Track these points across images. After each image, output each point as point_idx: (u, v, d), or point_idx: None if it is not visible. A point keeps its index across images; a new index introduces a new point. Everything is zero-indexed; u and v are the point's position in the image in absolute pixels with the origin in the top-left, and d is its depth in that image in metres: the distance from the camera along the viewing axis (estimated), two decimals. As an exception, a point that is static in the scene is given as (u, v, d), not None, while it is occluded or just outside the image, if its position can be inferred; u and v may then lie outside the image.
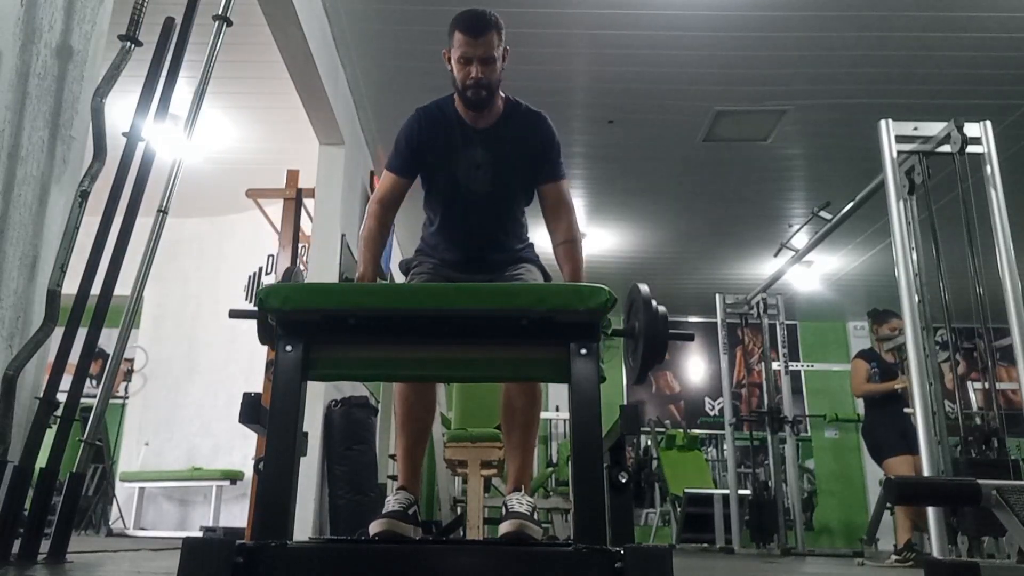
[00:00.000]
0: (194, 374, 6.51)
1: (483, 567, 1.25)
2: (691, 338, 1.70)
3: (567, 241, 2.27)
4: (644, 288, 1.54)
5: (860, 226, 6.34)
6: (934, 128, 3.58)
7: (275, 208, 5.27)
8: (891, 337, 4.84)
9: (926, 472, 3.18)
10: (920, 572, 2.17)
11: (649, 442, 7.68)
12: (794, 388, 8.19)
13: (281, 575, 1.19)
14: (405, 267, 2.40)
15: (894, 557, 4.36)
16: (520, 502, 1.99)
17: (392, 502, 1.96)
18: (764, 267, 7.35)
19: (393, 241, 6.41)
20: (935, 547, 3.03)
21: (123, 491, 6.37)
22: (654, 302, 1.49)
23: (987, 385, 3.51)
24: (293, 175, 5.00)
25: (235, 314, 1.59)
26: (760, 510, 6.20)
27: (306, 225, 5.06)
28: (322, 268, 4.58)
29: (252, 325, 1.49)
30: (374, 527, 1.83)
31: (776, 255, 6.20)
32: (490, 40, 2.10)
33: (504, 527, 1.87)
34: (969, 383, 7.17)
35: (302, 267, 5.20)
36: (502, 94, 2.22)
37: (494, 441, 3.70)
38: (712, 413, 9.16)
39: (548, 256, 2.32)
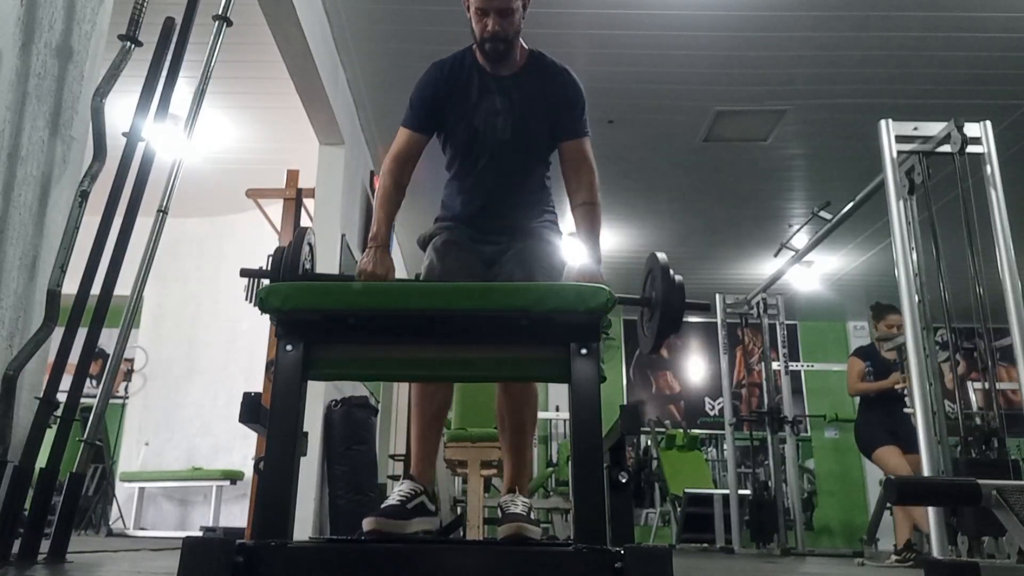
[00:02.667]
0: (194, 374, 6.51)
1: (483, 567, 1.25)
2: (707, 307, 1.70)
3: (586, 203, 2.18)
4: (662, 257, 1.54)
5: (860, 226, 6.34)
6: (934, 128, 3.58)
7: (275, 208, 5.27)
8: (889, 336, 4.83)
9: (926, 472, 3.18)
10: (920, 572, 2.17)
11: (649, 442, 7.68)
12: (794, 388, 8.18)
13: (281, 575, 1.19)
14: (423, 241, 2.31)
15: (894, 557, 4.36)
16: (516, 503, 1.95)
17: (393, 495, 1.91)
18: (764, 267, 7.35)
19: (393, 241, 6.41)
20: (935, 547, 3.03)
21: (123, 491, 6.37)
22: (672, 271, 1.49)
23: (987, 385, 3.51)
24: (293, 175, 5.00)
25: (246, 273, 1.63)
26: (760, 510, 6.20)
27: (306, 225, 5.06)
28: (322, 268, 4.57)
29: (252, 325, 1.50)
30: (365, 524, 1.78)
31: (776, 255, 6.20)
32: None
33: (502, 530, 1.85)
34: (969, 383, 7.17)
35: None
36: (525, 45, 2.17)
37: (494, 441, 3.70)
38: (712, 413, 9.16)
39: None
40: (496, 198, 2.23)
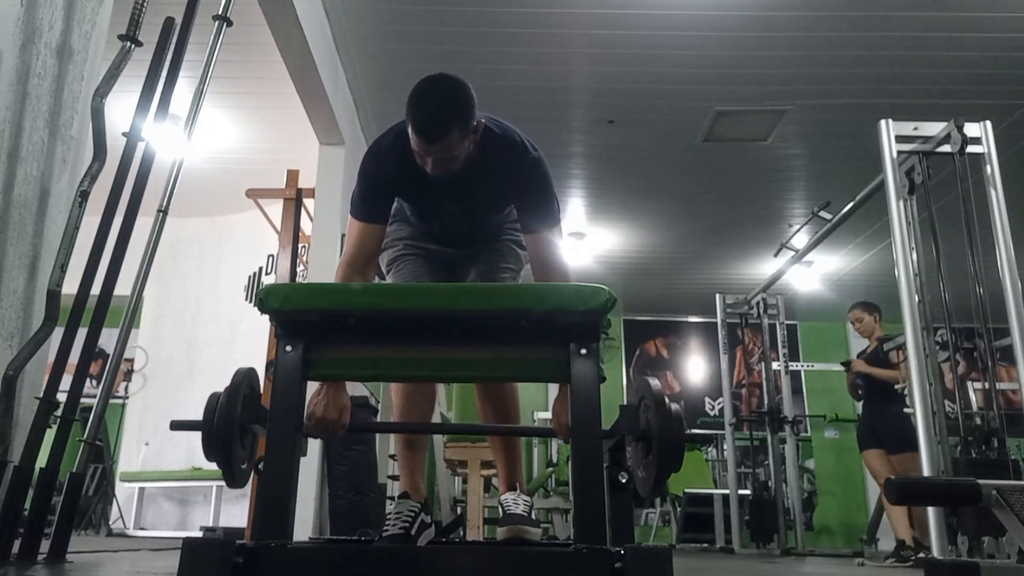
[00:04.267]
0: (194, 374, 6.51)
1: (483, 568, 1.25)
2: (710, 440, 1.53)
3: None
4: (655, 384, 1.34)
5: (860, 226, 6.34)
6: (934, 128, 3.58)
7: (275, 208, 5.27)
8: (889, 337, 4.85)
9: (926, 472, 3.18)
10: (920, 572, 2.17)
11: (649, 442, 7.67)
12: (794, 388, 8.18)
13: (281, 575, 1.19)
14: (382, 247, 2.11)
15: (890, 560, 4.36)
16: (517, 503, 1.92)
17: (392, 521, 1.81)
18: (764, 267, 7.35)
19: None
20: (935, 547, 3.03)
21: (123, 491, 6.38)
22: (668, 400, 1.30)
23: (987, 385, 3.51)
24: (293, 175, 5.00)
25: (177, 426, 1.44)
26: (760, 510, 6.20)
27: (306, 225, 5.06)
28: (322, 268, 4.58)
29: (252, 325, 1.49)
30: (501, 532, 1.79)
31: (776, 255, 6.20)
32: (447, 143, 1.71)
33: (502, 531, 1.83)
34: (969, 383, 7.16)
35: (301, 267, 5.21)
36: (481, 123, 1.84)
37: (494, 441, 3.69)
38: (712, 413, 9.16)
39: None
40: (459, 243, 2.11)
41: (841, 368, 5.27)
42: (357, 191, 1.93)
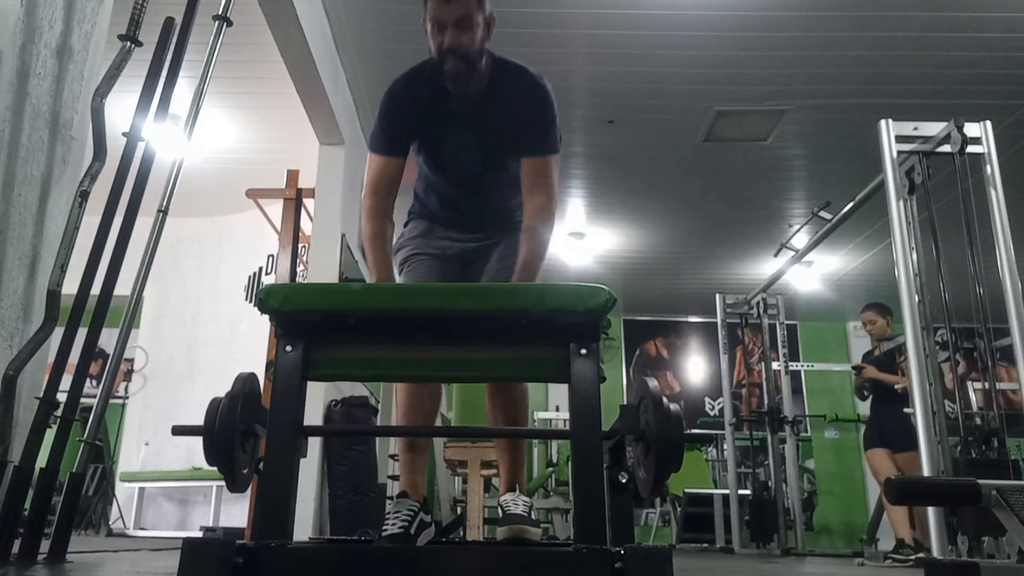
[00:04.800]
0: (194, 374, 6.52)
1: (483, 568, 1.25)
2: (711, 439, 1.56)
3: (530, 227, 1.98)
4: (654, 384, 1.34)
5: (860, 226, 6.34)
6: (934, 128, 3.58)
7: (275, 208, 5.27)
8: (889, 337, 4.86)
9: (926, 472, 3.18)
10: (920, 572, 2.17)
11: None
12: (794, 388, 8.18)
13: (281, 575, 1.19)
14: (396, 246, 2.22)
15: (890, 560, 4.36)
16: (516, 503, 1.92)
17: (391, 520, 1.82)
18: (764, 267, 7.35)
19: (393, 241, 6.41)
20: (935, 547, 3.03)
21: (123, 491, 6.38)
22: (666, 400, 1.29)
23: (987, 385, 3.50)
24: (293, 175, 5.00)
25: (179, 431, 1.42)
26: (760, 510, 6.20)
27: (306, 225, 5.06)
28: (322, 268, 4.59)
29: (252, 325, 1.49)
30: (501, 532, 1.80)
31: (776, 255, 6.20)
32: (467, 5, 1.87)
33: (502, 532, 1.83)
34: (969, 383, 7.17)
35: (301, 267, 5.21)
36: (493, 54, 1.98)
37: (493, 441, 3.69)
38: (712, 413, 9.16)
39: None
40: (471, 208, 2.15)
41: (840, 368, 5.28)
42: (375, 127, 2.05)
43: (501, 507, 1.97)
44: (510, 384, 2.08)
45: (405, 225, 2.19)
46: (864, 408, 5.17)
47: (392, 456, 5.84)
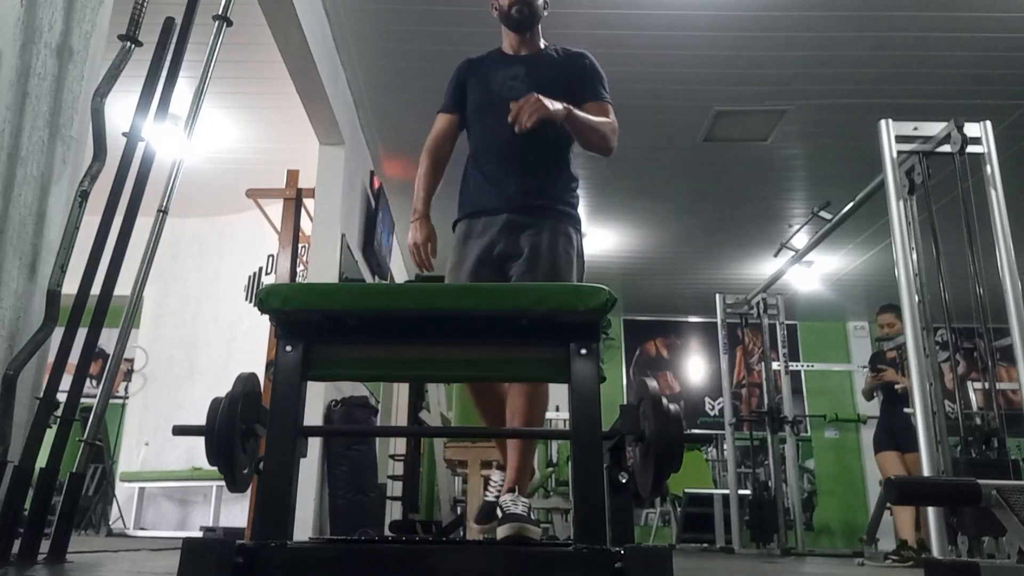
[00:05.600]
0: (194, 374, 6.52)
1: (483, 567, 1.25)
2: (710, 439, 1.58)
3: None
4: (653, 385, 1.34)
5: (860, 226, 6.34)
6: (934, 128, 3.58)
7: (275, 208, 5.27)
8: (886, 337, 4.87)
9: (926, 472, 3.18)
10: (920, 572, 2.17)
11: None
12: (794, 388, 8.19)
13: (281, 575, 1.19)
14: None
15: (891, 559, 4.37)
16: (516, 503, 1.96)
17: (491, 488, 2.12)
18: (764, 267, 7.35)
19: (393, 242, 6.41)
20: (935, 547, 3.03)
21: (123, 491, 6.38)
22: (666, 401, 1.29)
23: (987, 385, 3.50)
24: (293, 175, 5.01)
25: (179, 431, 1.45)
26: (760, 510, 6.20)
27: (306, 225, 5.06)
28: (322, 268, 4.59)
29: (252, 325, 1.49)
30: (501, 531, 1.91)
31: (776, 255, 6.20)
32: None
33: (502, 530, 1.85)
34: (969, 383, 7.17)
35: (301, 267, 5.21)
36: (544, 41, 2.43)
37: (494, 441, 3.70)
38: (712, 413, 9.16)
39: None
40: (510, 156, 2.28)
41: (840, 368, 5.28)
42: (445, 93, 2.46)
43: (500, 507, 1.99)
44: (534, 385, 2.16)
45: (453, 230, 2.43)
46: (865, 408, 5.18)
47: (392, 456, 5.84)
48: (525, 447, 2.20)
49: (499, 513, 1.99)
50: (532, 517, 1.97)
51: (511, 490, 2.08)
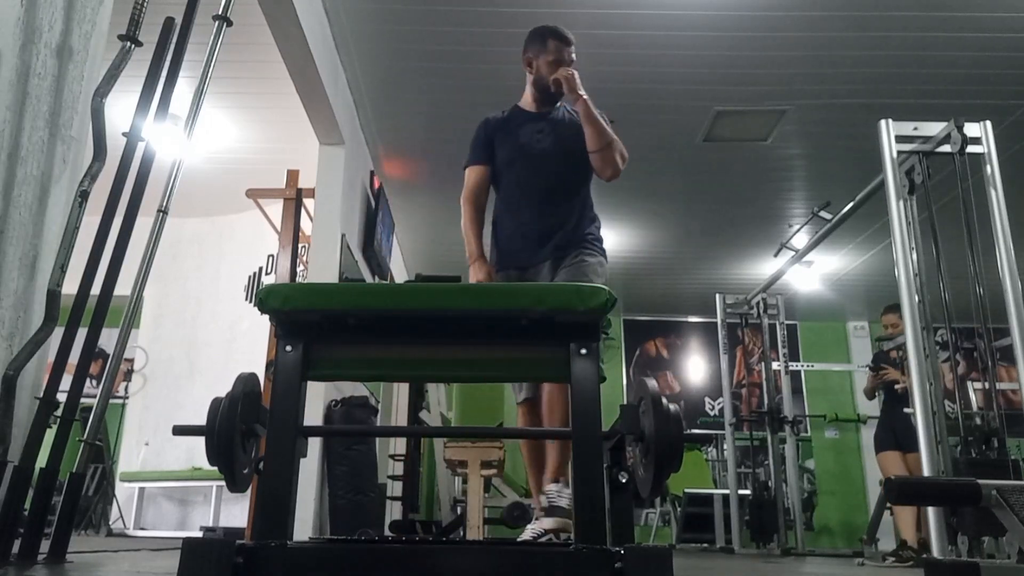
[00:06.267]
0: (194, 374, 6.52)
1: (483, 568, 1.25)
2: (710, 439, 1.61)
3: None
4: (652, 384, 1.34)
5: (860, 226, 6.34)
6: (934, 128, 3.58)
7: (275, 208, 5.27)
8: (888, 336, 4.87)
9: (926, 472, 3.18)
10: (920, 572, 2.17)
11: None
12: (794, 388, 8.19)
13: (281, 575, 1.19)
14: None
15: (890, 559, 4.37)
16: (561, 495, 2.13)
17: (528, 530, 2.20)
18: (764, 267, 7.35)
19: (393, 242, 6.41)
20: (935, 547, 3.03)
21: (123, 491, 6.38)
22: (665, 400, 1.29)
23: (987, 385, 3.50)
24: (293, 175, 5.00)
25: (179, 431, 1.49)
26: (760, 510, 6.20)
27: (306, 225, 5.06)
28: (322, 268, 4.59)
29: (252, 325, 1.49)
30: (547, 523, 2.07)
31: (776, 255, 6.20)
32: (572, 45, 2.76)
33: (548, 522, 1.93)
34: (969, 383, 7.16)
35: (301, 267, 5.21)
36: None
37: (494, 441, 3.70)
38: (712, 413, 9.16)
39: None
40: (543, 201, 2.57)
41: (840, 368, 5.29)
42: (470, 148, 2.74)
43: (546, 495, 2.07)
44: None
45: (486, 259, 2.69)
46: (865, 408, 5.18)
47: (392, 456, 5.84)
48: (561, 445, 2.35)
49: (544, 502, 2.08)
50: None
51: (555, 480, 2.21)
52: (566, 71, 2.63)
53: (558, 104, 2.77)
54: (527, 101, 2.77)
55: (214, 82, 2.51)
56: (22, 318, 1.88)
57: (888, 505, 5.14)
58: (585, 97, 2.61)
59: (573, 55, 2.73)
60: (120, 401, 6.74)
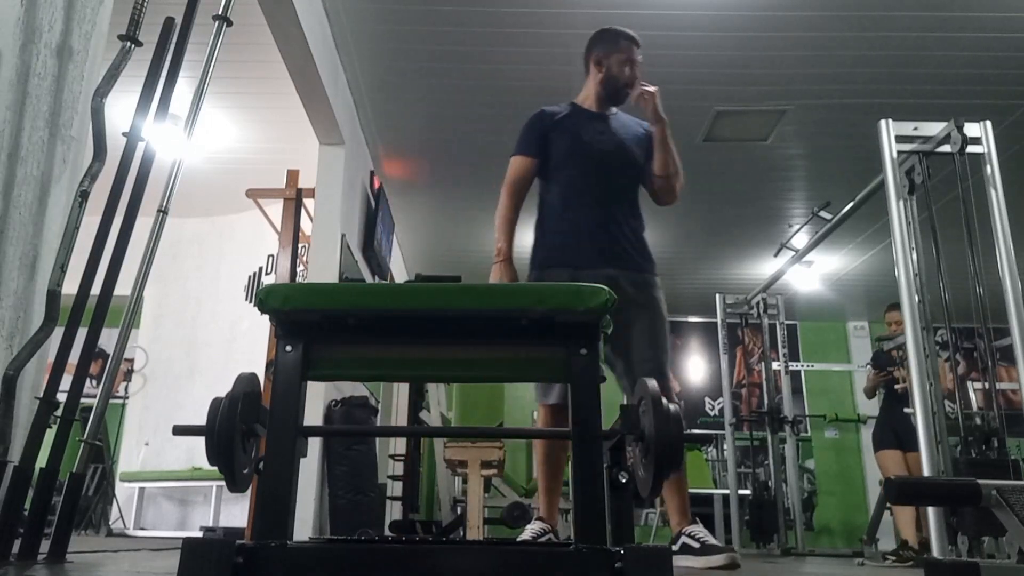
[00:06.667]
0: (194, 374, 6.52)
1: (483, 568, 1.25)
2: (710, 439, 1.64)
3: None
4: (652, 384, 1.33)
5: (860, 226, 6.34)
6: (934, 128, 3.58)
7: (275, 208, 5.27)
8: (889, 335, 4.88)
9: (926, 472, 3.18)
10: (920, 572, 2.17)
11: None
12: (794, 388, 8.18)
13: (281, 575, 1.19)
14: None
15: (891, 559, 4.37)
16: (708, 534, 2.28)
17: (526, 531, 2.30)
18: (764, 267, 7.35)
19: (393, 242, 6.41)
20: (935, 547, 3.03)
21: (123, 491, 6.38)
22: (665, 401, 1.28)
23: (987, 385, 3.50)
24: (293, 175, 5.01)
25: (179, 431, 1.49)
26: (760, 510, 6.20)
27: (306, 225, 5.06)
28: (322, 268, 4.59)
29: (252, 325, 1.49)
30: (716, 560, 2.14)
31: (776, 255, 6.20)
32: (639, 49, 2.79)
33: (718, 559, 2.13)
34: (969, 383, 7.16)
35: (301, 267, 5.21)
36: None
37: (494, 441, 3.70)
38: (712, 413, 9.16)
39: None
40: (599, 201, 2.56)
41: (840, 368, 5.29)
42: (520, 136, 2.67)
43: (692, 537, 2.18)
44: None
45: (533, 265, 2.67)
46: (865, 408, 5.19)
47: (392, 456, 5.84)
48: (682, 488, 2.47)
49: (695, 544, 2.18)
50: None
51: (692, 523, 2.36)
52: (653, 90, 2.62)
53: (614, 109, 2.78)
54: (588, 100, 2.75)
55: (214, 82, 2.50)
56: (22, 318, 1.88)
57: (888, 505, 5.14)
58: (666, 120, 2.63)
59: (640, 56, 2.77)
60: (120, 401, 6.74)
